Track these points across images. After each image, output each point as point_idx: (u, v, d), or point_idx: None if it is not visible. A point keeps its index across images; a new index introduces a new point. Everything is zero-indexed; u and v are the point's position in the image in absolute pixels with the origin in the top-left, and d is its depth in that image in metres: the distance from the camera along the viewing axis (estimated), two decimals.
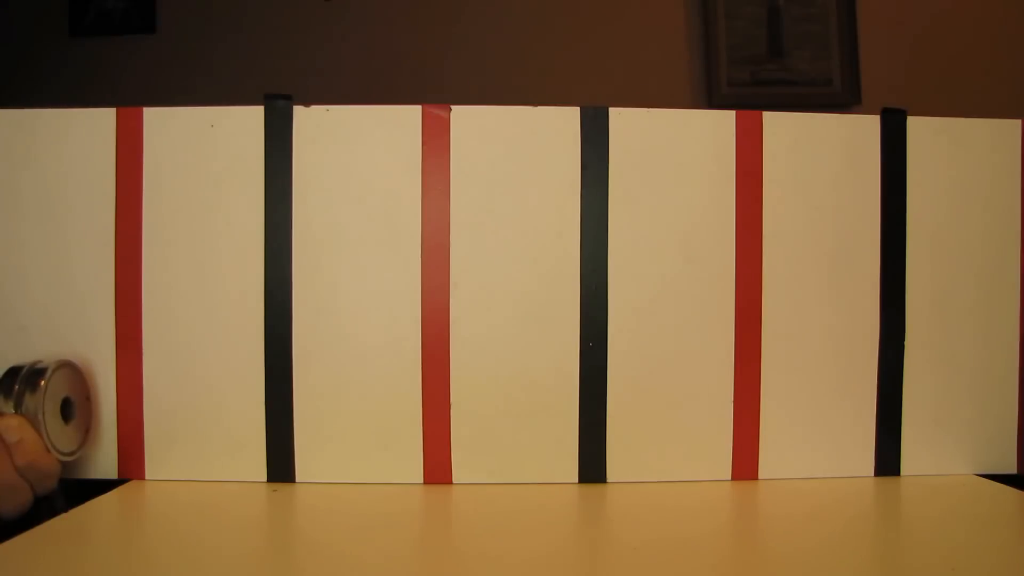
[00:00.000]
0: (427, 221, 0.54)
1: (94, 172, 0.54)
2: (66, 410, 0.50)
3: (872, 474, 0.56)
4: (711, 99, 1.48)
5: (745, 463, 0.55)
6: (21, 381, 0.46)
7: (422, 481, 0.54)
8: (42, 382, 0.47)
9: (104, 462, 0.54)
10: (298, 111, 0.54)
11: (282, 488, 0.53)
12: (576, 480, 0.54)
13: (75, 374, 0.51)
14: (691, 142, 0.55)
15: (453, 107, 0.54)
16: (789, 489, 0.53)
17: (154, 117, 0.54)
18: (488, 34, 1.52)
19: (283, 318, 0.54)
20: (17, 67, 1.54)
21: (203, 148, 0.54)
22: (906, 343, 0.56)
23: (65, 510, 0.47)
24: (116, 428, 0.54)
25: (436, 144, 0.54)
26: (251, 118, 0.54)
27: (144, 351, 0.54)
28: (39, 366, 0.48)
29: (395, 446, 0.54)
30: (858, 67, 1.46)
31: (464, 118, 0.54)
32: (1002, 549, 0.42)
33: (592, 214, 0.54)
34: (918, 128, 0.56)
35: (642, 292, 0.55)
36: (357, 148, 0.54)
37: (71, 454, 0.49)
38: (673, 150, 0.55)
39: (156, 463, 0.54)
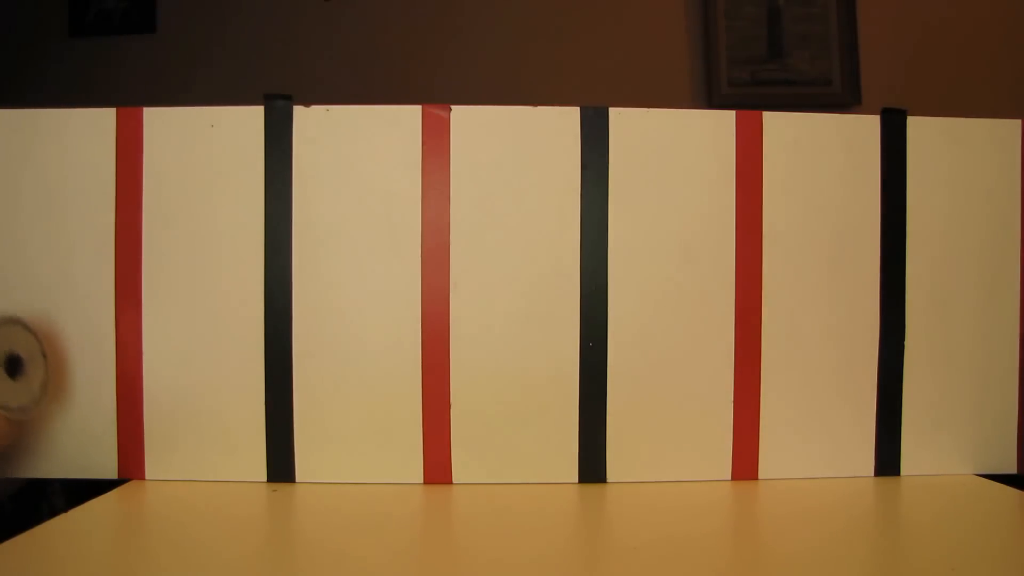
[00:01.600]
0: (427, 221, 0.54)
1: (94, 172, 0.54)
2: (13, 366, 0.49)
3: (872, 474, 0.56)
4: (711, 99, 1.48)
5: (745, 463, 0.55)
6: None
7: (422, 481, 0.54)
8: None
9: (104, 462, 0.54)
10: (298, 111, 0.54)
11: (282, 488, 0.53)
12: (576, 480, 0.54)
13: (23, 331, 0.50)
14: (691, 142, 0.55)
15: (453, 107, 0.54)
16: (789, 489, 0.53)
17: (154, 117, 0.54)
18: (488, 34, 1.52)
19: (283, 318, 0.54)
20: (17, 67, 1.54)
21: (203, 148, 0.54)
22: (906, 343, 0.56)
23: (65, 510, 0.47)
24: (116, 428, 0.54)
25: (436, 144, 0.54)
26: (251, 118, 0.54)
27: (144, 351, 0.54)
28: None
29: (395, 446, 0.54)
30: (858, 67, 1.46)
31: (464, 118, 0.54)
32: (1002, 549, 0.42)
33: (592, 214, 0.54)
34: (918, 128, 0.56)
35: (642, 292, 0.55)
36: (357, 148, 0.54)
37: (23, 410, 0.49)
38: (673, 150, 0.55)
39: (156, 463, 0.54)
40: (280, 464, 0.54)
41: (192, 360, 0.54)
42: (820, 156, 0.56)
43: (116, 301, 0.54)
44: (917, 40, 1.48)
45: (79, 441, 0.54)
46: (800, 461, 0.56)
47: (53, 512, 0.46)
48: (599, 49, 1.52)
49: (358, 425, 0.54)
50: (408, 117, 0.54)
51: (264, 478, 0.54)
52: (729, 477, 0.55)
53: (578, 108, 0.54)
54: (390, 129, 0.54)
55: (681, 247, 0.55)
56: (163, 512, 0.49)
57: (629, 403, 0.54)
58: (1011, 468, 0.57)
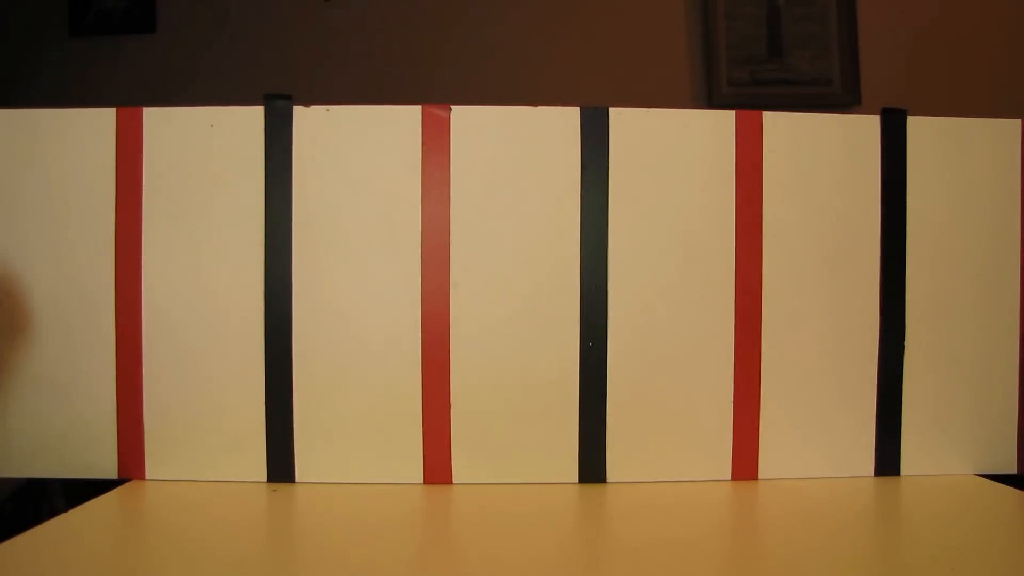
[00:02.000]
0: (427, 221, 0.54)
1: (94, 172, 0.54)
2: None
3: (872, 474, 0.56)
4: (711, 99, 1.48)
5: (745, 463, 0.55)
6: None
7: (422, 481, 0.54)
8: None
9: (104, 462, 0.54)
10: (298, 111, 0.54)
11: (282, 488, 0.53)
12: (576, 480, 0.54)
13: None
14: (691, 142, 0.55)
15: (453, 107, 0.54)
16: (789, 489, 0.53)
17: (154, 117, 0.54)
18: (488, 34, 1.52)
19: (283, 318, 0.54)
20: (17, 67, 1.54)
21: (203, 148, 0.54)
22: (906, 343, 0.56)
23: (65, 510, 0.47)
24: (116, 428, 0.54)
25: (436, 144, 0.54)
26: (251, 118, 0.54)
27: (144, 351, 0.54)
28: None
29: (395, 446, 0.54)
30: (858, 67, 1.46)
31: (464, 118, 0.54)
32: (1002, 549, 0.42)
33: (592, 214, 0.54)
34: (918, 128, 0.56)
35: (642, 292, 0.55)
36: (357, 148, 0.54)
37: None
38: (673, 150, 0.55)
39: (156, 463, 0.54)
40: (280, 464, 0.54)
41: (192, 360, 0.54)
42: (820, 156, 0.56)
43: (116, 300, 0.54)
44: (917, 40, 1.48)
45: (79, 441, 0.54)
46: (800, 461, 0.56)
47: (53, 512, 0.46)
48: (599, 49, 1.52)
49: (358, 425, 0.54)
50: (408, 117, 0.54)
51: (264, 478, 0.54)
52: (729, 477, 0.55)
53: (578, 108, 0.54)
54: (390, 129, 0.54)
55: (681, 247, 0.55)
56: (163, 512, 0.49)
57: (629, 403, 0.54)
58: (1011, 468, 0.57)
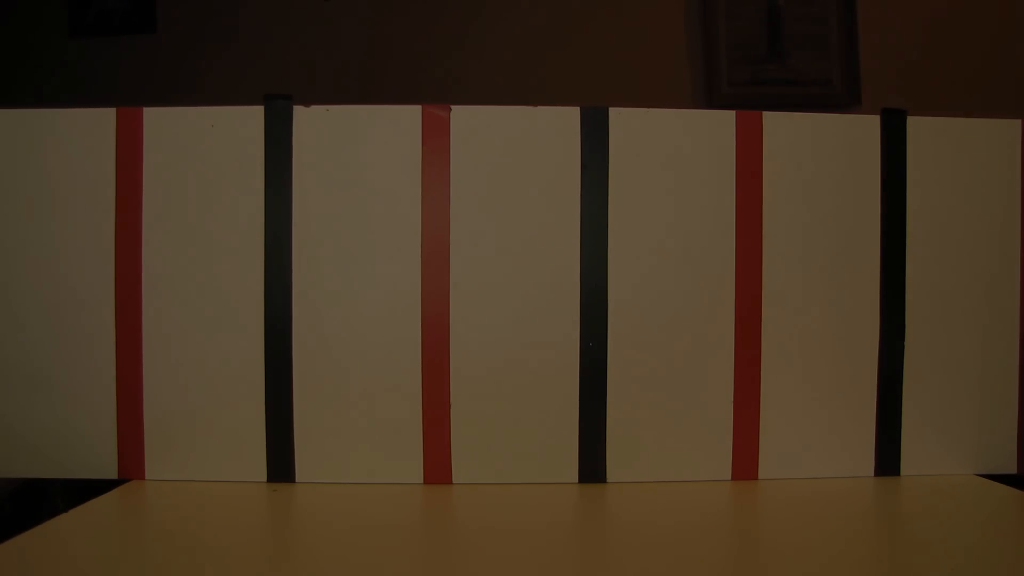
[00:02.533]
0: (427, 221, 0.54)
1: (94, 172, 0.54)
2: None
3: (872, 474, 0.56)
4: (711, 99, 1.48)
5: (745, 463, 0.55)
6: None
7: (422, 481, 0.54)
8: None
9: (104, 462, 0.54)
10: (298, 111, 0.54)
11: (282, 488, 0.53)
12: (576, 480, 0.54)
13: None
14: (691, 142, 0.55)
15: (453, 107, 0.54)
16: (789, 489, 0.53)
17: (154, 117, 0.54)
18: (488, 34, 1.51)
19: (283, 318, 0.54)
20: (17, 67, 1.54)
21: (203, 148, 0.54)
22: (906, 343, 0.56)
23: (65, 510, 0.47)
24: (116, 428, 0.54)
25: (436, 144, 0.54)
26: (251, 118, 0.54)
27: (144, 351, 0.54)
28: None
29: (395, 446, 0.54)
30: (858, 67, 1.46)
31: (464, 118, 0.54)
32: (1002, 549, 0.42)
33: (592, 214, 0.54)
34: (918, 128, 0.56)
35: (642, 292, 0.55)
36: (357, 148, 0.54)
37: None
38: (673, 150, 0.55)
39: (156, 463, 0.54)
40: (280, 464, 0.54)
41: (192, 360, 0.54)
42: (820, 156, 0.56)
43: (116, 301, 0.54)
44: (917, 40, 1.48)
45: (79, 441, 0.54)
46: (800, 461, 0.56)
47: (53, 512, 0.46)
48: (599, 49, 1.52)
49: (358, 425, 0.54)
50: (408, 117, 0.54)
51: (264, 478, 0.54)
52: (729, 477, 0.55)
53: (578, 108, 0.54)
54: (390, 129, 0.54)
55: (681, 247, 0.55)
56: (163, 512, 0.49)
57: (629, 403, 0.54)
58: (1011, 468, 0.57)
